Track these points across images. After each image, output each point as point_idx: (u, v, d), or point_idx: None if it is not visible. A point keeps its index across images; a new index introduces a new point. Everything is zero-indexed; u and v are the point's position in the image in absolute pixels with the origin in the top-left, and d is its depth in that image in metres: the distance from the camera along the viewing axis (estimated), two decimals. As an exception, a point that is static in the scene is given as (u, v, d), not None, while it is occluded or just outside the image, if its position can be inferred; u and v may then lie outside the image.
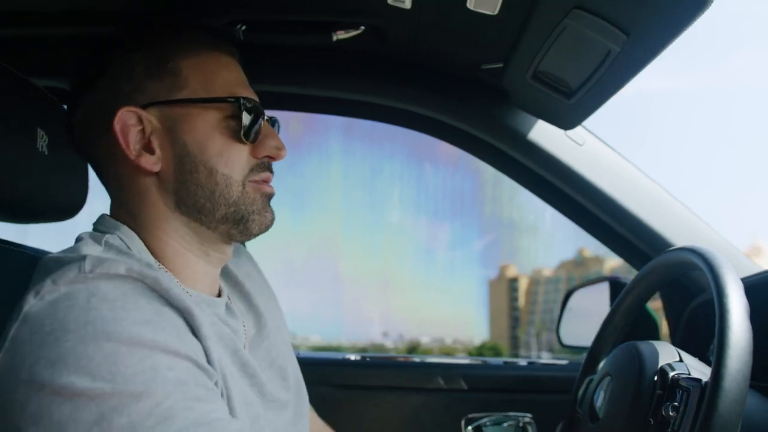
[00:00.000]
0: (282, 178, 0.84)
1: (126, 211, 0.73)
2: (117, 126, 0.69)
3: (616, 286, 1.25)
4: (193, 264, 0.74)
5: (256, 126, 0.73)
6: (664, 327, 1.24)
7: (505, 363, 1.51)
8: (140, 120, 0.70)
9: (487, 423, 1.00)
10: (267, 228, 0.76)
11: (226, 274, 0.86)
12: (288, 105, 1.22)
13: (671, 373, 0.70)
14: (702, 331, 1.12)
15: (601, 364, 0.92)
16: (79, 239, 0.68)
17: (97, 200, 0.83)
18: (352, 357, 1.47)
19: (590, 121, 1.09)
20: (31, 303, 0.57)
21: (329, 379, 1.36)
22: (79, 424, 0.51)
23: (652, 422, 0.69)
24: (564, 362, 1.46)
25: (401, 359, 1.50)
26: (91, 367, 0.52)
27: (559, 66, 0.90)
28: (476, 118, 1.16)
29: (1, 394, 0.54)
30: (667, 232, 1.16)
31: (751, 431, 0.68)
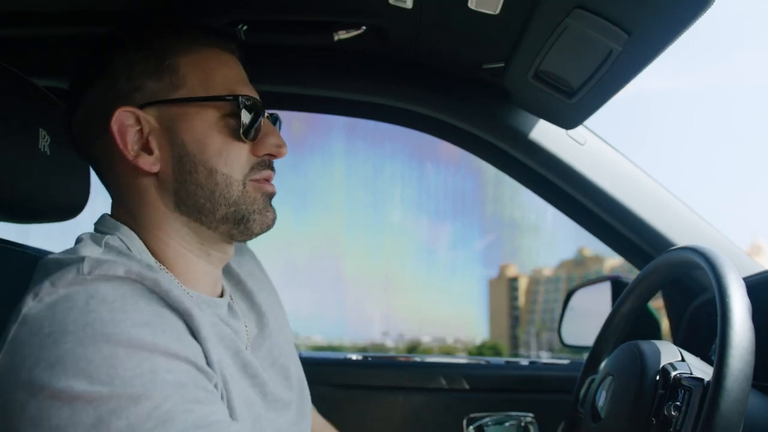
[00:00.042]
0: (284, 178, 0.84)
1: (126, 211, 0.72)
2: (114, 126, 0.68)
3: (617, 285, 1.24)
4: (193, 264, 0.73)
5: (256, 124, 0.72)
6: (665, 326, 1.24)
7: (507, 363, 1.51)
8: (138, 120, 0.69)
9: (489, 423, 0.99)
10: (268, 227, 0.75)
11: (228, 272, 0.85)
12: (289, 105, 1.22)
13: (673, 373, 0.70)
14: (704, 331, 1.12)
15: (603, 364, 0.92)
16: (79, 240, 0.67)
17: (100, 200, 0.83)
18: (354, 357, 1.47)
19: (592, 121, 1.09)
20: (30, 305, 0.57)
21: (330, 378, 1.36)
22: (77, 427, 0.51)
23: (654, 422, 0.69)
24: (566, 362, 1.46)
25: (402, 359, 1.50)
26: (90, 370, 0.52)
27: (561, 65, 0.90)
28: (477, 117, 1.16)
29: (1, 394, 0.54)
30: (668, 231, 1.16)
31: (753, 431, 0.68)
